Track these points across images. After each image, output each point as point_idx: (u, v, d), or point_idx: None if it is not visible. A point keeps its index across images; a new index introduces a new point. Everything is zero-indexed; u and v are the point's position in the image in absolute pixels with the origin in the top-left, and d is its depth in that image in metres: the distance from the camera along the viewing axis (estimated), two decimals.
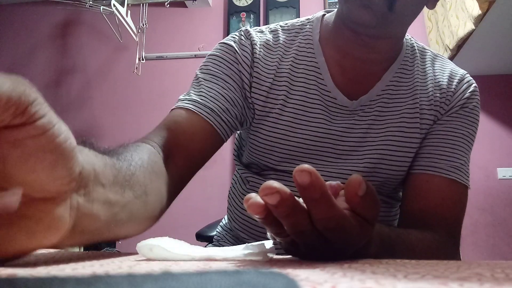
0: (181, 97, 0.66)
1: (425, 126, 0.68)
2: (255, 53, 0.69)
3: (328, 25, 0.71)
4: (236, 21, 3.08)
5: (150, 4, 3.11)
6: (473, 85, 0.71)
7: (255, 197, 0.33)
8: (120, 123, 3.12)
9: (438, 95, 0.69)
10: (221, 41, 0.72)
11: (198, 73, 0.69)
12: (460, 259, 0.63)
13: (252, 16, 3.05)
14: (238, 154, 0.81)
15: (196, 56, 3.15)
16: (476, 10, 2.05)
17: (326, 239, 0.34)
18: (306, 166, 0.30)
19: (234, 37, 0.71)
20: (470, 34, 2.24)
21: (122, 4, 2.68)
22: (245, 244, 0.40)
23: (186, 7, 3.24)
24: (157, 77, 3.17)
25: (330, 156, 0.68)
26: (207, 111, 0.62)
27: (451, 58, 2.60)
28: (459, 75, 0.72)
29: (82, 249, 2.11)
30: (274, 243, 0.40)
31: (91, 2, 2.73)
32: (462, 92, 0.69)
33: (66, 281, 0.15)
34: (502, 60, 2.65)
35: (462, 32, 2.27)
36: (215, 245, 0.83)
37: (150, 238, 0.38)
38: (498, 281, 0.20)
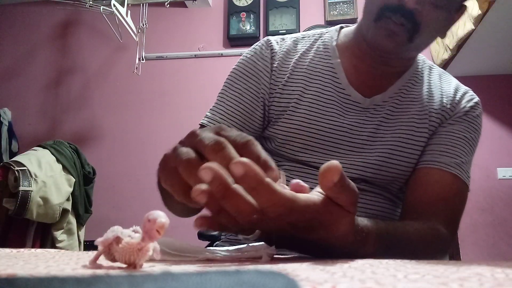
0: (207, 113, 0.76)
1: (432, 128, 0.74)
2: (274, 60, 0.77)
3: (347, 35, 0.80)
4: (236, 21, 3.08)
5: (150, 4, 3.11)
6: (477, 98, 0.79)
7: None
8: (120, 123, 3.12)
9: (445, 102, 0.76)
10: (243, 54, 0.80)
11: (224, 86, 0.78)
12: (454, 249, 0.65)
13: (252, 16, 3.05)
14: None
15: (196, 56, 3.15)
16: (476, 10, 2.05)
17: (293, 228, 0.35)
18: (241, 159, 0.32)
19: (256, 49, 0.79)
20: (470, 34, 2.24)
21: (122, 4, 2.68)
22: (245, 244, 0.40)
23: (186, 7, 3.24)
24: (157, 77, 3.17)
25: (342, 148, 0.72)
26: None
27: (451, 58, 2.60)
28: (463, 89, 0.80)
29: (82, 249, 2.10)
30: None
31: (91, 2, 2.73)
32: (466, 101, 0.77)
33: (66, 281, 0.15)
34: (502, 60, 2.65)
35: (462, 32, 2.26)
36: (223, 240, 0.83)
37: None
38: (498, 281, 0.20)
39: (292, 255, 0.45)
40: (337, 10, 3.11)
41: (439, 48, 2.69)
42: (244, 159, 0.32)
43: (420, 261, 0.35)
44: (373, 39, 0.71)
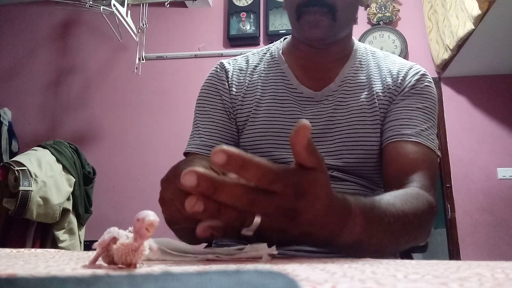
0: (189, 141, 0.83)
1: (383, 107, 0.80)
2: (229, 78, 0.86)
3: (288, 42, 0.89)
4: (236, 21, 3.08)
5: (150, 4, 3.11)
6: (422, 71, 0.82)
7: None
8: (120, 123, 3.12)
9: (390, 82, 0.81)
10: (204, 81, 0.88)
11: (195, 115, 0.85)
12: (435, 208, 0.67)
13: (252, 16, 3.05)
14: None
15: (196, 56, 3.15)
16: (476, 10, 2.05)
17: (284, 199, 0.37)
18: (218, 148, 0.34)
19: (212, 73, 0.88)
20: (470, 34, 2.24)
21: (122, 4, 2.68)
22: (246, 245, 0.40)
23: (186, 7, 3.24)
24: (157, 77, 3.17)
25: None
26: (210, 149, 0.77)
27: (451, 58, 2.60)
28: (408, 65, 0.84)
29: (82, 249, 2.10)
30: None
31: (91, 2, 2.73)
32: (411, 76, 0.81)
33: (66, 281, 0.15)
34: (502, 60, 2.65)
35: (462, 32, 2.27)
36: (216, 245, 0.85)
37: (151, 238, 0.38)
38: (498, 281, 0.20)
39: (292, 255, 0.45)
40: None
41: (439, 48, 2.69)
42: (219, 147, 0.34)
43: (420, 261, 0.35)
44: (303, 35, 0.79)
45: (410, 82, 0.80)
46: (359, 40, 2.99)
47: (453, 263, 0.31)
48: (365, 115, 0.78)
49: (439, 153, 0.77)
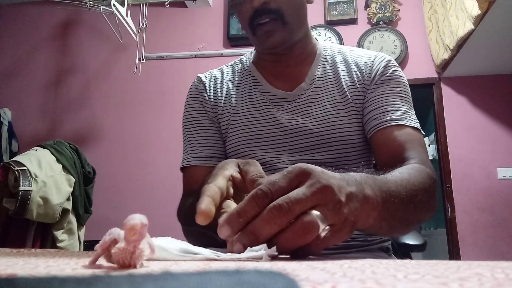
0: (184, 156, 0.87)
1: (357, 98, 0.83)
2: (207, 89, 0.91)
3: (255, 54, 0.96)
4: (236, 21, 3.08)
5: (150, 4, 3.11)
6: (387, 58, 0.87)
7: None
8: (120, 123, 3.12)
9: (359, 73, 0.85)
10: (186, 97, 0.94)
11: (184, 129, 0.90)
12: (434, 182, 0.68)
13: None
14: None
15: (196, 56, 3.15)
16: (476, 10, 2.05)
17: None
18: (220, 225, 0.39)
19: (192, 88, 0.94)
20: (470, 34, 2.24)
21: (122, 4, 2.68)
22: None
23: (186, 7, 3.25)
24: (157, 77, 3.17)
25: (285, 134, 0.82)
26: (206, 159, 0.83)
27: (451, 58, 2.60)
28: (373, 54, 0.88)
29: (82, 249, 2.10)
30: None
31: (91, 2, 2.73)
32: (378, 64, 0.85)
33: (66, 281, 0.15)
34: (502, 60, 2.65)
35: (462, 32, 2.27)
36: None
37: (151, 238, 0.38)
38: (498, 281, 0.20)
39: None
40: (337, 10, 3.11)
41: (439, 48, 2.69)
42: (219, 222, 0.40)
43: (420, 261, 0.35)
44: (263, 47, 0.84)
45: (378, 70, 0.84)
46: (359, 40, 3.01)
47: (453, 263, 0.31)
48: (338, 108, 0.82)
49: (423, 132, 0.81)
